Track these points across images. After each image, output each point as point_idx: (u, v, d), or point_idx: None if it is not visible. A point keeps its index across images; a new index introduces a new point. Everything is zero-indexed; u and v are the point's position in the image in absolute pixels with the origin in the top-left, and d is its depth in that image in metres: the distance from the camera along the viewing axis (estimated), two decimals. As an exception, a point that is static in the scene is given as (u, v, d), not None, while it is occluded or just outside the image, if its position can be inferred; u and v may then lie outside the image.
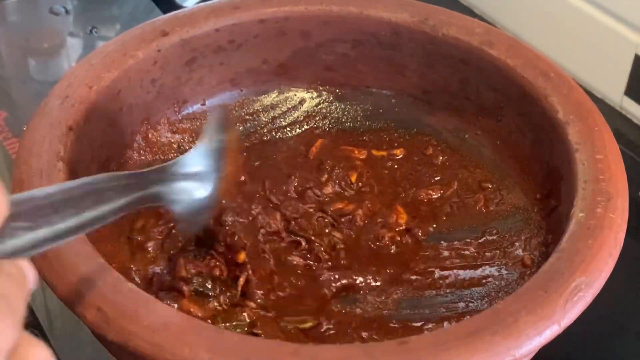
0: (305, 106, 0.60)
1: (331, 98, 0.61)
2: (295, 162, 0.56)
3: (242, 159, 0.49)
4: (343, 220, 0.52)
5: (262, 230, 0.50)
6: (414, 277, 0.49)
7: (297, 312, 0.46)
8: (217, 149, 0.44)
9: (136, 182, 0.38)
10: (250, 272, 0.47)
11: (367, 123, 0.60)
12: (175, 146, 0.57)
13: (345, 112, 0.60)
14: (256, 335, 0.44)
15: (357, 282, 0.48)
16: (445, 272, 0.49)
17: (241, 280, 0.46)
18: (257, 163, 0.56)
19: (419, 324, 0.46)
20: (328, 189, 0.54)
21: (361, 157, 0.56)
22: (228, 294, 0.46)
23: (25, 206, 0.30)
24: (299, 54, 0.60)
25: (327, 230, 0.51)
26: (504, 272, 0.49)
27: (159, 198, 0.40)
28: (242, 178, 0.52)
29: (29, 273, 0.29)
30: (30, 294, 0.29)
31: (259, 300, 0.46)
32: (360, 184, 0.54)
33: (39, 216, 0.31)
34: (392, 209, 0.53)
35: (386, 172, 0.56)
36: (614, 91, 0.73)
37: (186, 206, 0.42)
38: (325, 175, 0.54)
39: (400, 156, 0.57)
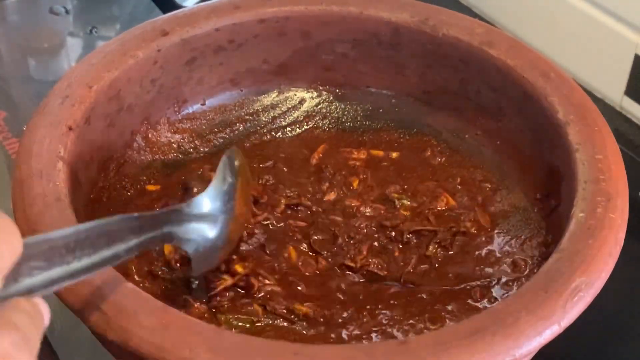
0: (305, 106, 0.60)
1: (331, 98, 0.61)
2: (296, 170, 0.56)
3: (252, 200, 0.51)
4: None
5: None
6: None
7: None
8: (227, 191, 0.45)
9: (149, 222, 0.40)
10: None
11: (367, 123, 0.59)
12: (175, 146, 0.57)
13: (345, 112, 0.60)
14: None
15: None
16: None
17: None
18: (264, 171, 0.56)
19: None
20: (332, 196, 0.54)
21: (361, 158, 0.56)
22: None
23: (41, 247, 0.32)
24: (299, 54, 0.60)
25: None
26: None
27: (171, 238, 0.42)
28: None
29: (44, 310, 0.31)
30: (45, 330, 0.31)
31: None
32: (362, 187, 0.54)
33: (54, 256, 0.32)
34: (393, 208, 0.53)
35: (386, 173, 0.56)
36: (614, 91, 0.73)
37: (198, 246, 0.44)
38: (327, 184, 0.54)
39: (396, 158, 0.57)
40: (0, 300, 0.29)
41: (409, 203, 0.53)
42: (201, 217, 0.44)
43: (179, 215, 0.43)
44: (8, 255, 0.29)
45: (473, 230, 0.51)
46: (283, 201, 0.52)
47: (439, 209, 0.53)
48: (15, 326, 0.29)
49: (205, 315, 0.45)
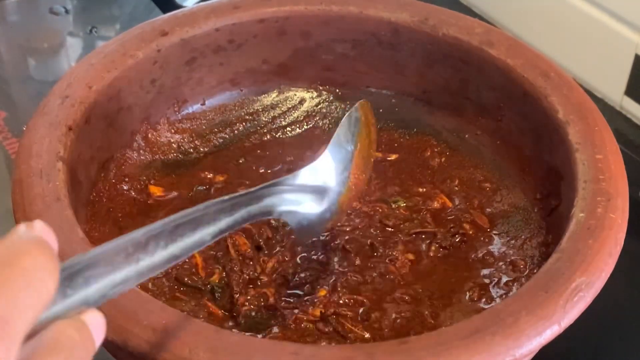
0: (305, 106, 0.60)
1: (331, 98, 0.61)
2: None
3: (371, 166, 0.46)
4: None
5: None
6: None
7: None
8: (343, 159, 0.42)
9: (245, 199, 0.36)
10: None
11: (367, 123, 0.59)
12: (175, 146, 0.57)
13: (345, 112, 0.60)
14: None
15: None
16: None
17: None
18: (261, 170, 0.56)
19: None
20: None
21: None
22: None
23: (105, 253, 0.29)
24: (299, 54, 0.60)
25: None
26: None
27: (272, 211, 0.38)
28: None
29: (95, 328, 0.28)
30: (97, 348, 0.28)
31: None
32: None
33: (118, 257, 0.29)
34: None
35: (385, 174, 0.56)
36: (614, 91, 0.73)
37: (302, 219, 0.40)
38: None
39: (395, 159, 0.57)
40: (44, 324, 0.26)
41: (404, 204, 0.53)
42: (308, 189, 0.40)
43: (282, 187, 0.39)
44: (32, 307, 0.25)
45: (471, 232, 0.51)
46: None
47: (436, 208, 0.53)
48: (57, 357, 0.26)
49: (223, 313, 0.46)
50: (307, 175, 0.41)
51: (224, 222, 0.34)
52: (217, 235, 0.34)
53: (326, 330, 0.45)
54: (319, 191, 0.41)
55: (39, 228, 0.27)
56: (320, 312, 0.46)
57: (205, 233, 0.33)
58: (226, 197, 0.35)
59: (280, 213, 0.39)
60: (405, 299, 0.47)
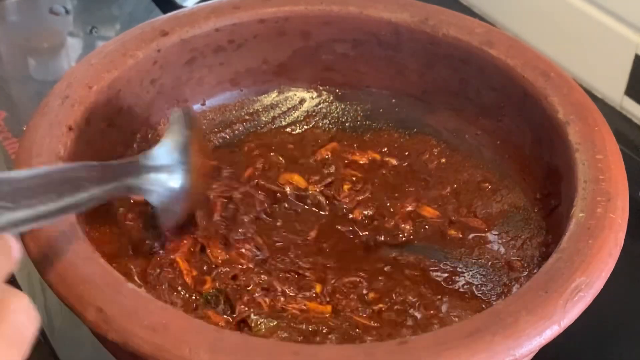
0: (305, 106, 0.60)
1: (331, 98, 0.61)
2: (298, 161, 0.56)
3: (209, 152, 0.53)
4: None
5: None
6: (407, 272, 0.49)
7: None
8: (184, 142, 0.46)
9: (108, 174, 0.42)
10: None
11: (367, 123, 0.59)
12: (175, 146, 0.57)
13: (345, 112, 0.60)
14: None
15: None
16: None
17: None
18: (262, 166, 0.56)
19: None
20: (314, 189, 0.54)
21: (361, 162, 0.56)
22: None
23: (6, 187, 0.34)
24: (299, 54, 0.60)
25: None
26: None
27: (133, 189, 0.44)
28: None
29: (13, 243, 0.32)
30: (16, 262, 0.32)
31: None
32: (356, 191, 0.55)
33: (21, 198, 0.34)
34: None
35: (384, 178, 0.56)
36: (614, 91, 0.73)
37: (160, 197, 0.45)
38: (318, 176, 0.55)
39: (395, 164, 0.57)
40: None
41: (400, 204, 0.53)
42: (159, 168, 0.45)
43: (137, 167, 0.44)
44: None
45: (468, 232, 0.51)
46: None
47: (434, 208, 0.53)
48: None
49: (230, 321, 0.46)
50: (157, 156, 0.46)
51: (94, 192, 0.39)
52: (90, 202, 0.39)
53: (342, 325, 0.45)
54: (170, 170, 0.46)
55: None
56: (332, 307, 0.46)
57: (82, 197, 0.38)
58: (94, 164, 0.41)
59: (139, 191, 0.45)
60: (407, 284, 0.47)
